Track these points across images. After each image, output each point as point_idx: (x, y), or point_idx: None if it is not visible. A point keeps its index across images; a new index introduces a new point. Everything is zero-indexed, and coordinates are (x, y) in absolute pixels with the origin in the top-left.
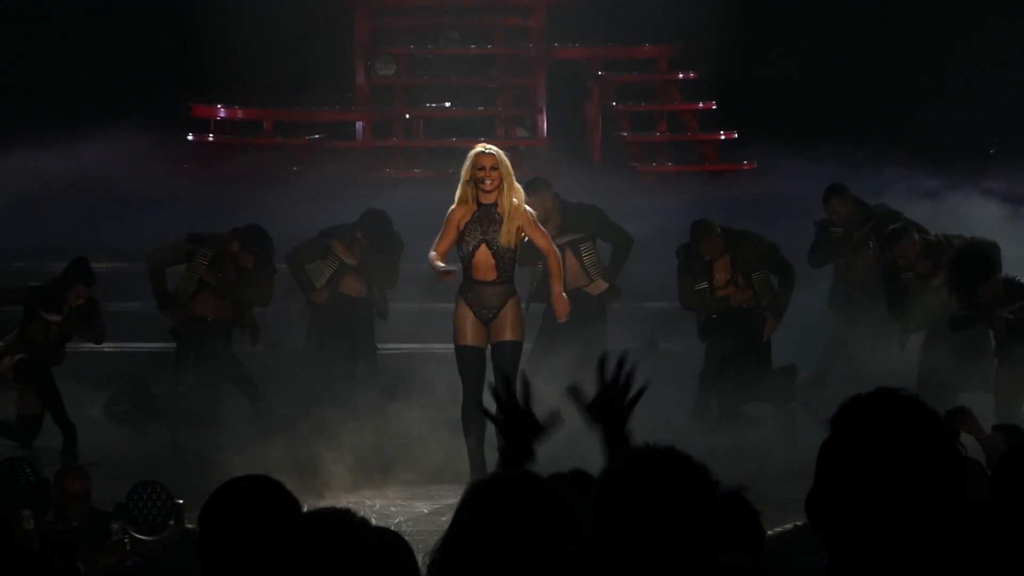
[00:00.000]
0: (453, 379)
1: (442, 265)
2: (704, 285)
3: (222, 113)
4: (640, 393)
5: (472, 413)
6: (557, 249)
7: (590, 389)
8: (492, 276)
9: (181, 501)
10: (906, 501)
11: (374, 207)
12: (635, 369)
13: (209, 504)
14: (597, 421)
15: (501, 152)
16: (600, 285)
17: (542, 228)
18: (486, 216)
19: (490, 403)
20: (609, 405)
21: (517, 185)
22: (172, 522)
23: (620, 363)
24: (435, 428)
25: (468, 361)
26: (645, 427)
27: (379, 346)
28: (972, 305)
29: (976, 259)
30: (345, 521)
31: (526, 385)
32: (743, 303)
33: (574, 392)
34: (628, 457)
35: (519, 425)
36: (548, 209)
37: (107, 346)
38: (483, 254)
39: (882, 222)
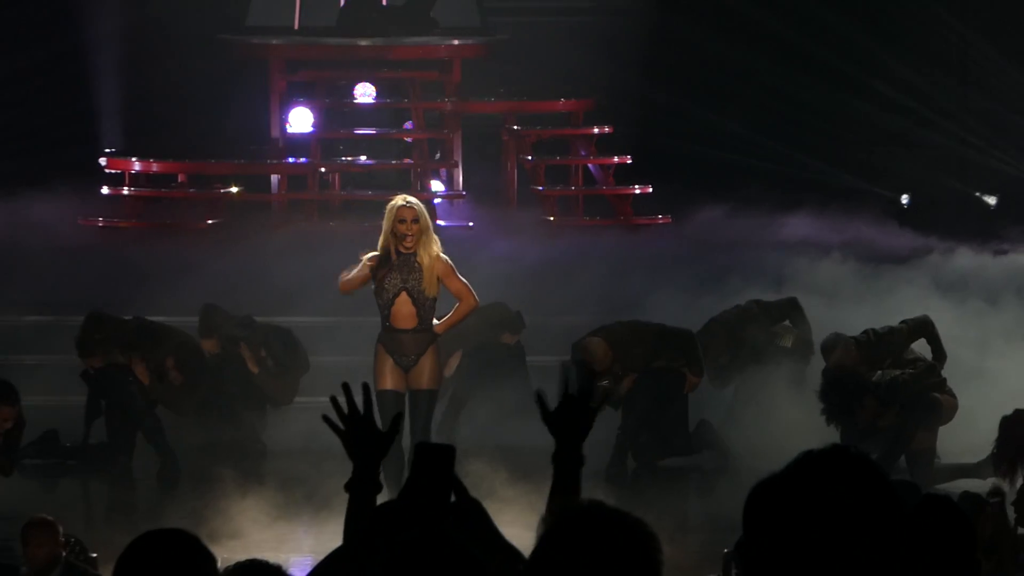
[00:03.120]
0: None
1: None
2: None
3: (136, 167)
4: (601, 405)
5: (389, 459)
6: (474, 298)
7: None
8: (412, 324)
9: (95, 555)
10: (844, 558)
11: (281, 326)
12: (595, 384)
13: (124, 558)
14: (555, 432)
15: (420, 204)
16: (512, 336)
17: (459, 276)
18: (405, 265)
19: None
20: (569, 416)
21: (434, 235)
22: None
23: (584, 376)
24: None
25: (388, 405)
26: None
27: (301, 400)
28: (854, 429)
29: (842, 387)
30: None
31: (366, 391)
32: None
33: (539, 399)
34: (571, 516)
35: (361, 432)
36: None
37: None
38: (403, 302)
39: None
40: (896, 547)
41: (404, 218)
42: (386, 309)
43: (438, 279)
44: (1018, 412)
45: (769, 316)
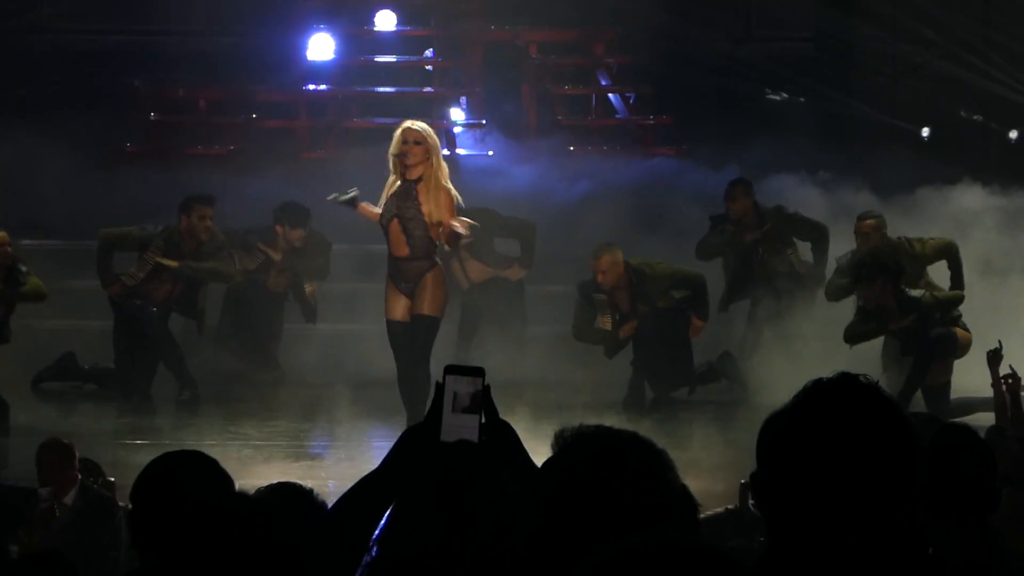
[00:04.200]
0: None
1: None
2: (607, 320)
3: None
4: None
5: (404, 387)
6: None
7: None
8: (405, 252)
9: (112, 479)
10: (857, 489)
11: (290, 201)
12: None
13: (141, 479)
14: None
15: (428, 128)
16: (517, 271)
17: (453, 214)
18: (404, 192)
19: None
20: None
21: (443, 164)
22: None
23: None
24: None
25: (394, 335)
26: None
27: (318, 327)
28: (866, 317)
29: (873, 258)
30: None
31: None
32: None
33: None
34: (578, 437)
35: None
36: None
37: (49, 322)
38: (395, 229)
39: (777, 228)
40: (909, 475)
41: (407, 139)
42: (385, 235)
43: (437, 209)
44: None
45: (795, 228)
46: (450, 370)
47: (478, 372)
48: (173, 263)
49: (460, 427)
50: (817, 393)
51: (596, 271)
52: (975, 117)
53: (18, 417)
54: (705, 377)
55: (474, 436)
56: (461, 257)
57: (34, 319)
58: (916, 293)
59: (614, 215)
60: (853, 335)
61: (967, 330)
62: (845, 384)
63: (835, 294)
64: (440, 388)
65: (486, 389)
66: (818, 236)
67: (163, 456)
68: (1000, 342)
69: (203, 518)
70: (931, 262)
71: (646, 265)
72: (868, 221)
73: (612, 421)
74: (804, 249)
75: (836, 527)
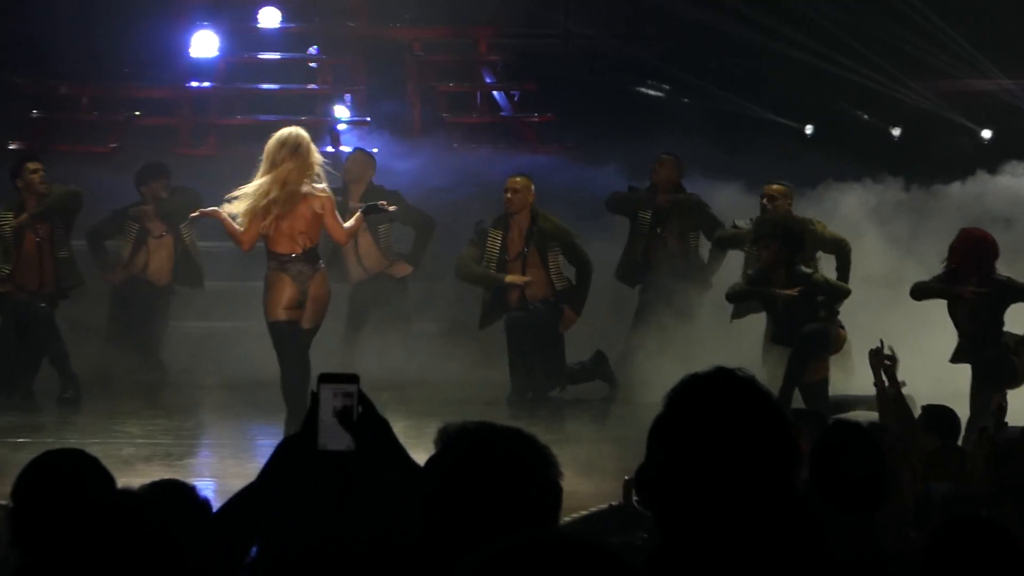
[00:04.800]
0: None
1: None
2: (493, 255)
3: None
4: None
5: (286, 386)
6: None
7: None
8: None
9: None
10: (737, 482)
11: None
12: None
13: (23, 476)
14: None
15: (292, 135)
16: (403, 268)
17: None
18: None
19: None
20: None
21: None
22: None
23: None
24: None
25: (279, 335)
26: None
27: (197, 324)
28: (752, 282)
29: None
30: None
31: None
32: (537, 295)
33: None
34: (461, 433)
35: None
36: (364, 176)
37: None
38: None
39: (693, 209)
40: (787, 466)
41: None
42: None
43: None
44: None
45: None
46: (324, 378)
47: (352, 379)
48: (23, 216)
49: (337, 434)
50: (693, 386)
51: (507, 190)
52: (860, 114)
53: None
54: (578, 376)
55: (350, 444)
56: (358, 241)
57: None
58: (807, 270)
59: (497, 212)
60: (735, 293)
61: (843, 328)
62: (720, 377)
63: (728, 241)
64: (315, 396)
65: (361, 394)
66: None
67: (44, 454)
68: (882, 341)
69: (87, 515)
70: (825, 250)
71: (548, 219)
72: (776, 187)
73: (496, 419)
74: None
75: (718, 520)
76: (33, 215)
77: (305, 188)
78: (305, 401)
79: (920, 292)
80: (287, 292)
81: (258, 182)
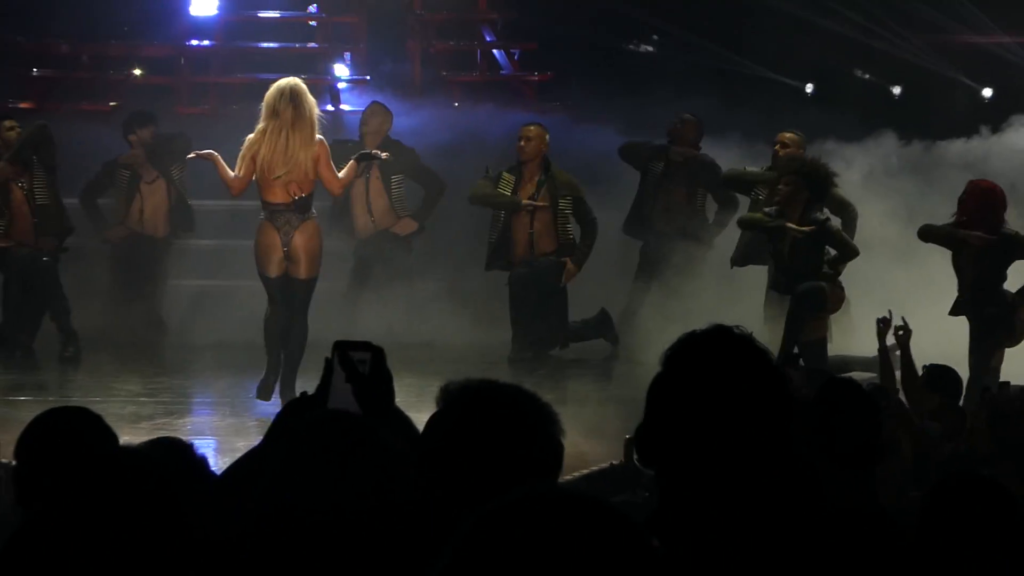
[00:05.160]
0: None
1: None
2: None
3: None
4: None
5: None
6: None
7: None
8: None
9: None
10: (734, 438)
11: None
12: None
13: (26, 434)
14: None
15: (290, 85)
16: (409, 225)
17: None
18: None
19: None
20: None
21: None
22: None
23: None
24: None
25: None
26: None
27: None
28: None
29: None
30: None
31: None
32: (543, 248)
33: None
34: (463, 391)
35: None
36: (381, 129)
37: None
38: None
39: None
40: (783, 420)
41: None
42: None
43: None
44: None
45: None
46: (339, 345)
47: (367, 347)
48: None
49: (348, 401)
50: (690, 344)
51: (521, 138)
52: (861, 74)
53: None
54: (581, 334)
55: (355, 405)
56: (370, 192)
57: None
58: (822, 216)
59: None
60: (746, 221)
61: (842, 288)
62: (717, 335)
63: (738, 179)
64: (329, 362)
65: (377, 360)
66: (726, 199)
67: (47, 412)
68: (891, 312)
69: (90, 471)
70: (832, 211)
71: (561, 171)
72: (789, 134)
73: (498, 377)
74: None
75: (716, 476)
76: (10, 162)
77: (300, 136)
78: (291, 349)
79: (927, 234)
80: (272, 243)
81: (259, 128)
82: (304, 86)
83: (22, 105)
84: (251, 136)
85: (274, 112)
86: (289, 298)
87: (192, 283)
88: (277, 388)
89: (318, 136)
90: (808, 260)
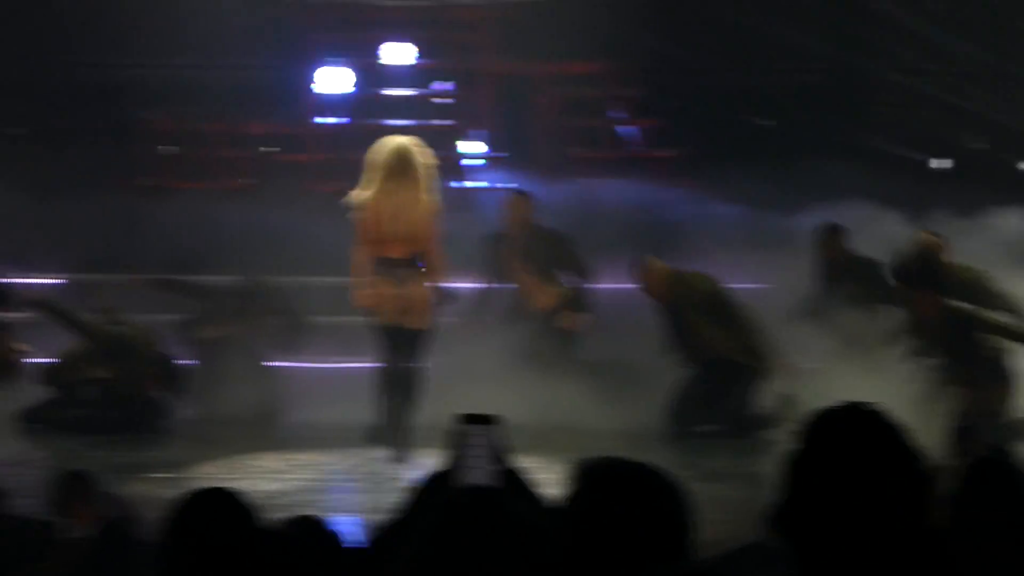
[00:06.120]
0: None
1: None
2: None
3: (173, 125)
4: None
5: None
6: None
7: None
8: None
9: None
10: (867, 515)
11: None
12: None
13: (170, 516)
14: None
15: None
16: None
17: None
18: None
19: None
20: None
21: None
22: None
23: None
24: None
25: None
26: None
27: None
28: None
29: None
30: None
31: None
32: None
33: None
34: (593, 470)
35: None
36: (527, 221)
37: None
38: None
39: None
40: (916, 497)
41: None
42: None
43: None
44: None
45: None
46: (466, 418)
47: (493, 420)
48: None
49: (478, 472)
50: (823, 421)
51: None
52: (981, 147)
53: (36, 446)
54: (761, 422)
55: (492, 480)
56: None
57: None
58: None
59: (624, 245)
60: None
61: None
62: (850, 412)
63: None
64: (458, 435)
65: (501, 435)
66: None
67: (190, 494)
68: None
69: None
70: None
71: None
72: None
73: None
74: None
75: (852, 554)
76: None
77: (413, 195)
78: (406, 398)
79: None
80: (387, 294)
81: (370, 192)
82: (414, 145)
83: (142, 183)
84: (361, 194)
85: (385, 172)
86: (403, 347)
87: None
88: (389, 436)
89: (429, 194)
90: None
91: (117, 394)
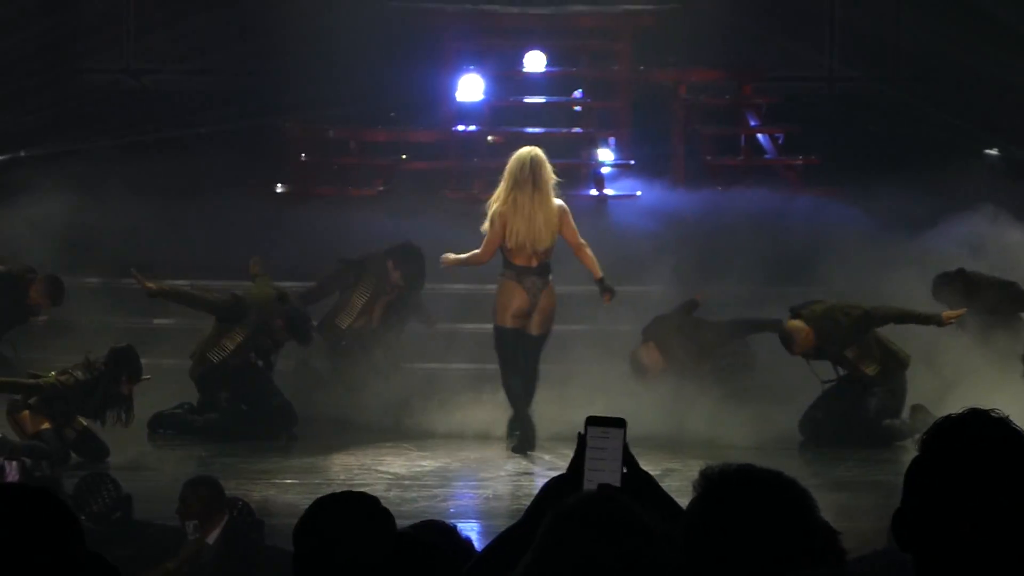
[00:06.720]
0: None
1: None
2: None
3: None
4: None
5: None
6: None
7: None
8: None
9: (261, 519)
10: (993, 524)
11: (410, 241)
12: None
13: (303, 522)
14: None
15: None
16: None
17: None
18: None
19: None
20: None
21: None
22: (119, 514)
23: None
24: None
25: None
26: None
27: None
28: None
29: None
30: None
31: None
32: None
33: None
34: (720, 477)
35: None
36: None
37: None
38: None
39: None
40: None
41: None
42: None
43: None
44: None
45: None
46: (592, 421)
47: (619, 423)
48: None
49: (603, 475)
50: (946, 429)
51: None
52: None
53: (165, 454)
54: (894, 434)
55: (619, 483)
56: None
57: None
58: None
59: (764, 253)
60: None
61: None
62: (973, 419)
63: None
64: (582, 439)
65: (625, 439)
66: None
67: (323, 499)
68: None
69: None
70: None
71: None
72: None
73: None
74: None
75: (978, 564)
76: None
77: (543, 205)
78: (527, 404)
79: None
80: (517, 301)
81: (501, 197)
82: (543, 155)
83: (279, 190)
84: (495, 204)
85: (516, 182)
86: (522, 351)
87: (425, 367)
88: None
89: (557, 201)
90: None
91: (257, 347)
